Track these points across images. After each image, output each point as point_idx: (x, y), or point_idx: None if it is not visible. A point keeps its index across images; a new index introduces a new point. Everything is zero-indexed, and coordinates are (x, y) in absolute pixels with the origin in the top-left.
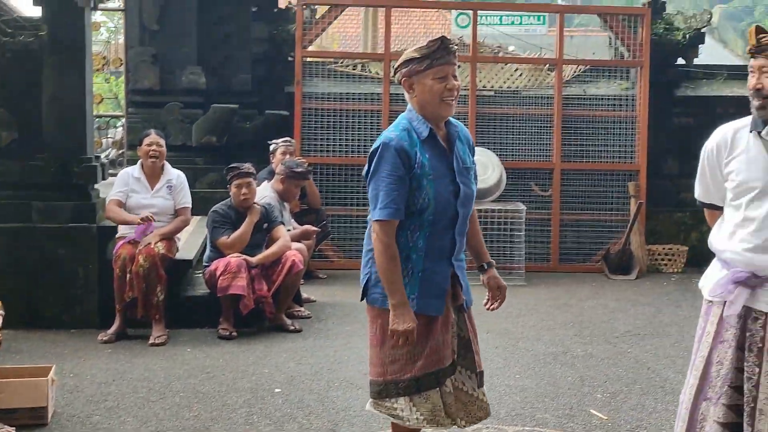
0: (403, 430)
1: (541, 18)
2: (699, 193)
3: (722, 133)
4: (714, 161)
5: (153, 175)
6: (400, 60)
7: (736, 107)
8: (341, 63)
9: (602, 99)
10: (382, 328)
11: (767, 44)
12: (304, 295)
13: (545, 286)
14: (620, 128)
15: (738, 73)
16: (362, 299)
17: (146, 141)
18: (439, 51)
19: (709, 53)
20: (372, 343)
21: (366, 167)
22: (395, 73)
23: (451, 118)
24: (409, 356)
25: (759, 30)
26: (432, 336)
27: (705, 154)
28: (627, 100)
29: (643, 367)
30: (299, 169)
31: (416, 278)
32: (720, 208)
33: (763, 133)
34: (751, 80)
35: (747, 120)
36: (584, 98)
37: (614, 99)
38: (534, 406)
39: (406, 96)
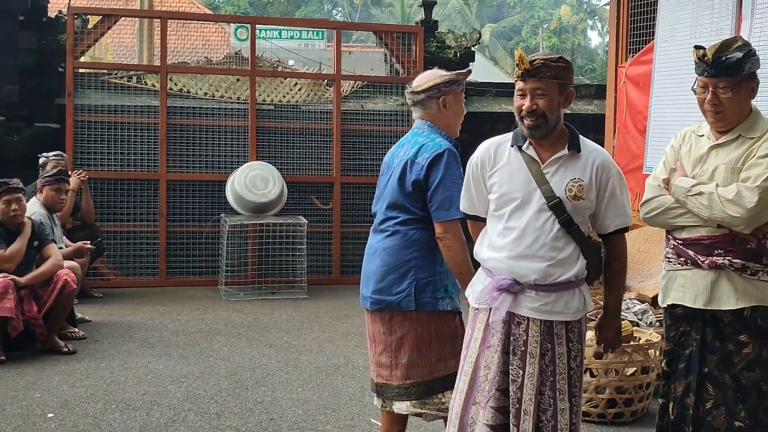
0: (392, 424)
1: (320, 33)
2: (464, 205)
3: (486, 147)
4: (478, 174)
5: None
6: (440, 80)
7: (505, 123)
8: (115, 74)
9: (379, 114)
10: (435, 330)
11: (539, 67)
12: (79, 315)
13: (327, 299)
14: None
15: (506, 90)
16: (400, 308)
17: None
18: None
19: (481, 71)
20: (415, 348)
21: (424, 173)
22: (428, 89)
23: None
24: (452, 352)
25: (522, 55)
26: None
27: (470, 167)
28: (403, 115)
29: None
30: (53, 171)
31: (452, 278)
32: (483, 220)
33: (524, 147)
34: (524, 102)
35: (509, 135)
36: (362, 113)
37: (390, 114)
38: (316, 418)
39: (431, 111)
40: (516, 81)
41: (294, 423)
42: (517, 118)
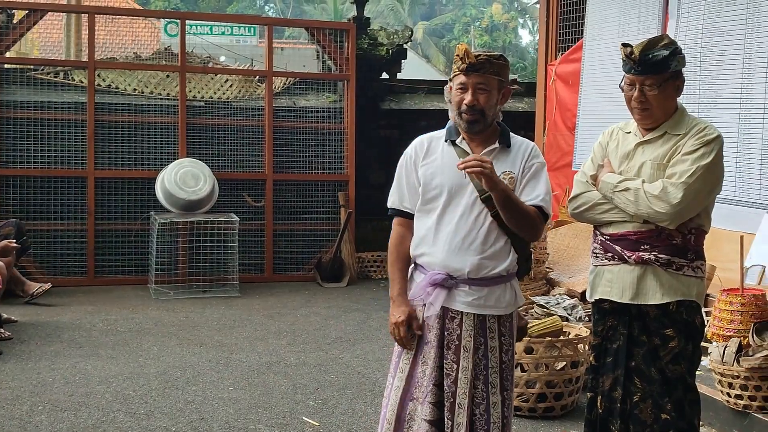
0: None
1: (252, 29)
2: (394, 200)
3: (419, 141)
4: (411, 167)
5: None
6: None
7: (437, 120)
8: (42, 70)
9: (312, 111)
10: None
11: (483, 63)
12: (4, 315)
13: (259, 297)
14: (329, 140)
15: (437, 88)
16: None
17: None
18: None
19: (413, 68)
20: None
21: None
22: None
23: None
24: None
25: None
26: None
27: (403, 161)
28: (335, 112)
29: (353, 372)
30: None
31: None
32: (411, 216)
33: (458, 141)
34: (466, 96)
35: (443, 131)
36: (294, 110)
37: (323, 111)
38: (247, 417)
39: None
40: (456, 75)
41: (225, 422)
42: (454, 113)
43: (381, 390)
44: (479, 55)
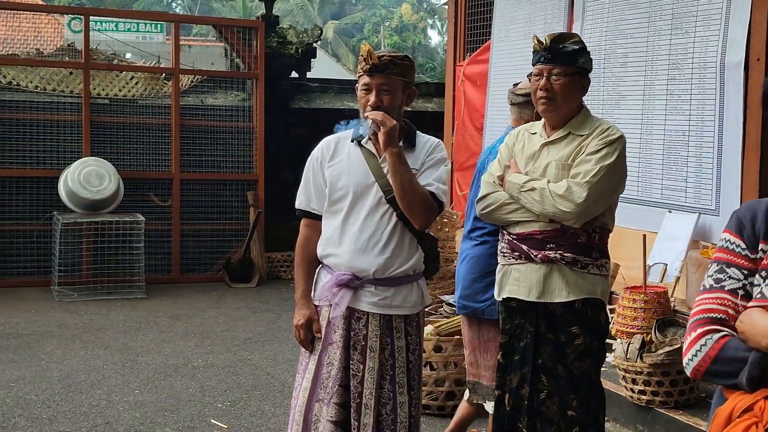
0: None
1: (159, 26)
2: (301, 201)
3: (326, 142)
4: (318, 168)
5: None
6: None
7: (348, 120)
8: None
9: (220, 109)
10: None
11: (387, 64)
12: None
13: (166, 298)
14: (238, 139)
15: (348, 87)
16: (484, 315)
17: None
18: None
19: (323, 67)
20: (484, 350)
21: None
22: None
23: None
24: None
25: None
26: None
27: (310, 162)
28: (244, 111)
29: (262, 373)
30: None
31: None
32: (318, 218)
33: (363, 141)
34: (370, 97)
35: (349, 132)
36: (202, 108)
37: (232, 110)
38: (154, 420)
39: (524, 117)
40: (360, 76)
41: (131, 426)
42: (361, 114)
43: (290, 391)
44: (383, 56)
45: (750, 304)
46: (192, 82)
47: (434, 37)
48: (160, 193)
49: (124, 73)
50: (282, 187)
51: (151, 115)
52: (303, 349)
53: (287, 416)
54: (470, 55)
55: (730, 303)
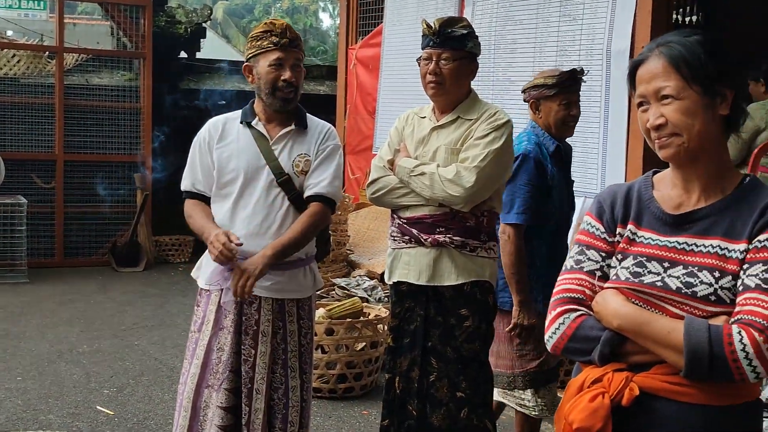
0: (524, 421)
1: (42, 3)
2: (187, 183)
3: (213, 123)
4: (205, 149)
5: None
6: (530, 84)
7: (238, 100)
8: None
9: (106, 89)
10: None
11: (297, 39)
12: None
13: (50, 283)
14: (125, 119)
15: (238, 68)
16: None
17: None
18: (568, 81)
19: (213, 48)
20: (501, 340)
21: None
22: (523, 92)
23: None
24: (536, 352)
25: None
26: None
27: (197, 143)
28: (131, 91)
29: (150, 358)
30: None
31: (540, 283)
32: (207, 199)
33: (254, 123)
34: (284, 73)
35: (238, 113)
36: (87, 88)
37: (118, 90)
38: (37, 408)
39: (531, 114)
40: (268, 51)
41: (13, 414)
42: (266, 92)
43: (179, 376)
44: (290, 32)
45: (605, 285)
46: (77, 61)
47: (326, 20)
48: (43, 175)
49: (5, 50)
50: (170, 169)
51: (34, 94)
52: (192, 335)
53: (175, 402)
54: (363, 39)
55: (587, 284)
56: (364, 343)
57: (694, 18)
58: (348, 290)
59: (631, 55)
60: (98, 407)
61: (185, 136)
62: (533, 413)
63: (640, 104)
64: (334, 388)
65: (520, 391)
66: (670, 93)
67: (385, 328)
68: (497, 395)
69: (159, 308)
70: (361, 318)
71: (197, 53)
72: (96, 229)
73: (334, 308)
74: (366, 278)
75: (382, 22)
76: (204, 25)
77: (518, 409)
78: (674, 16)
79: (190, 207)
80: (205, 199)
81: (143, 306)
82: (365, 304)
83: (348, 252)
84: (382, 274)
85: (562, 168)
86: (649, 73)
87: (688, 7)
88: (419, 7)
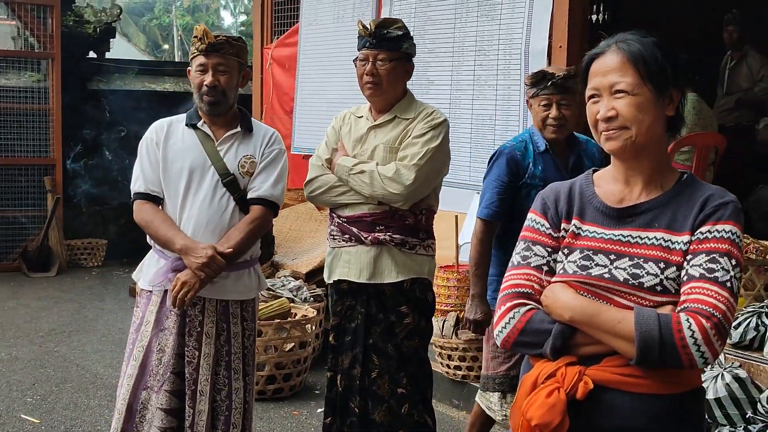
0: (483, 418)
1: None
2: (139, 185)
3: (159, 124)
4: (153, 149)
5: None
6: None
7: (150, 102)
8: None
9: (13, 91)
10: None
11: (223, 44)
12: None
13: None
14: (34, 121)
15: (147, 68)
16: None
17: None
18: (541, 81)
19: (116, 47)
20: (485, 340)
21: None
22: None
23: (581, 137)
24: (505, 355)
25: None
26: None
27: (143, 145)
28: (39, 92)
29: (72, 364)
30: None
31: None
32: (157, 200)
33: (199, 124)
34: (206, 77)
35: (182, 116)
36: None
37: (26, 91)
38: None
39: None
40: (195, 56)
41: None
42: (196, 95)
43: (103, 382)
44: (218, 35)
45: (553, 279)
46: None
47: (227, 18)
48: None
49: None
50: (81, 172)
51: None
52: (130, 337)
53: (103, 408)
54: (278, 38)
55: (535, 278)
56: (292, 344)
57: (601, 17)
58: (274, 291)
59: (549, 55)
60: (23, 415)
61: (96, 137)
62: (497, 418)
63: (591, 96)
64: (263, 390)
65: (490, 393)
66: (624, 88)
67: (314, 328)
68: (477, 397)
69: (76, 314)
70: (289, 318)
71: (106, 53)
72: (5, 233)
73: (262, 309)
74: (291, 278)
75: (297, 22)
76: (113, 24)
77: (485, 411)
78: (589, 16)
79: (148, 212)
80: (158, 201)
81: (59, 312)
82: (292, 304)
83: (272, 253)
84: (307, 273)
85: (559, 168)
86: (605, 67)
87: (595, 6)
88: (336, 6)
